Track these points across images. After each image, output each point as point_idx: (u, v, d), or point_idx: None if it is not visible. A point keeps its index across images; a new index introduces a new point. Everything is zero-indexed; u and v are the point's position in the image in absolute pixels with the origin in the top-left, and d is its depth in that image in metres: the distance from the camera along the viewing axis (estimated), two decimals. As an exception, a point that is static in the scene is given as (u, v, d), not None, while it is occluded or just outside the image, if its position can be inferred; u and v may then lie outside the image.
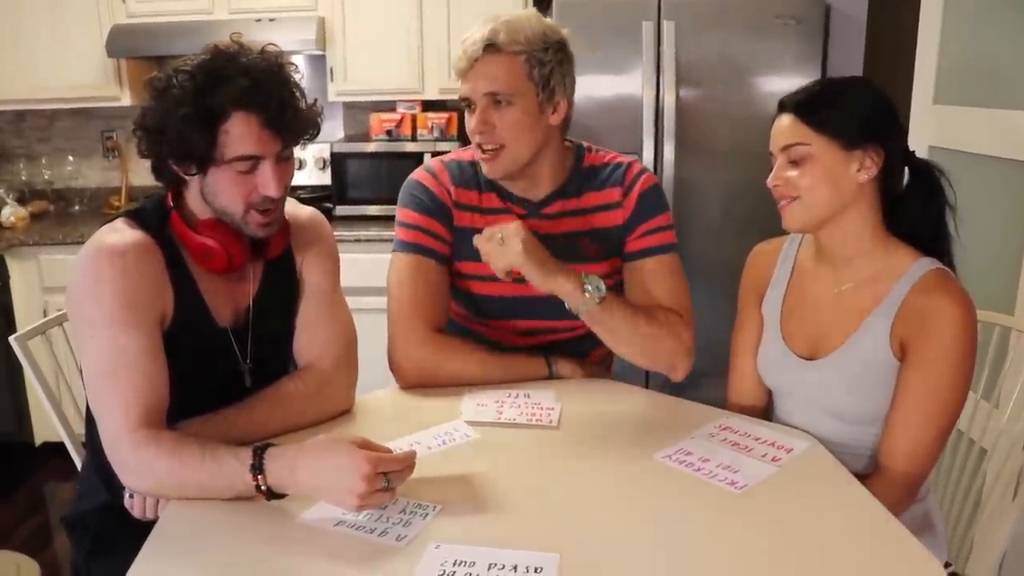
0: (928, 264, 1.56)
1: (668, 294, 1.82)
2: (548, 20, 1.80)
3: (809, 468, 1.48)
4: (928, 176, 1.60)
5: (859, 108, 1.55)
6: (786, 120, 1.58)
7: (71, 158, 4.27)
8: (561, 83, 1.79)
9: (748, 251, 3.21)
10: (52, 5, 3.75)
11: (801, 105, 1.56)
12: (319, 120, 1.57)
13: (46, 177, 4.24)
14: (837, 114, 1.54)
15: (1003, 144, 2.25)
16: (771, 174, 1.61)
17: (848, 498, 1.38)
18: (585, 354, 1.97)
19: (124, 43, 3.69)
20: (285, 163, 1.52)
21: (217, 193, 1.49)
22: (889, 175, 1.57)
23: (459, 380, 1.79)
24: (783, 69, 3.15)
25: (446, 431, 1.59)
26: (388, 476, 1.28)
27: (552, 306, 1.86)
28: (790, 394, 1.71)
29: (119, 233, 1.48)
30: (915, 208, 1.59)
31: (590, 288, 1.65)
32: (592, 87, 3.18)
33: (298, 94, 1.52)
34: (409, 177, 1.92)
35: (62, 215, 4.16)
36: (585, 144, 1.95)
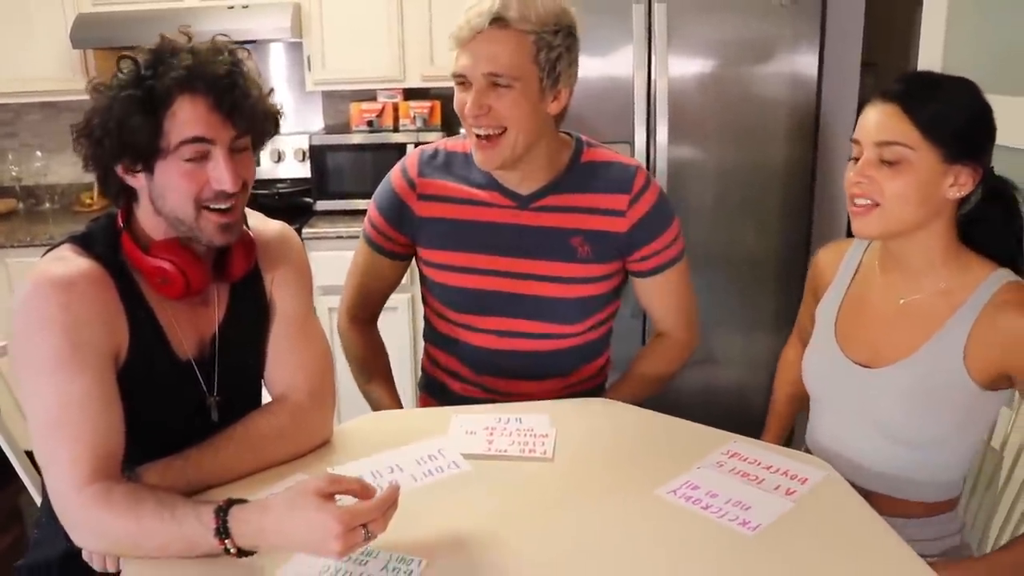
0: (1005, 275, 1.43)
1: (677, 308, 1.89)
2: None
3: (827, 502, 1.35)
4: (1008, 194, 1.46)
5: (968, 116, 1.39)
6: (889, 110, 1.39)
7: (39, 153, 4.10)
8: (567, 71, 1.66)
9: (743, 234, 3.12)
10: (12, -6, 3.58)
11: (912, 98, 1.38)
12: (276, 110, 1.43)
13: (13, 174, 4.08)
14: (949, 118, 1.37)
15: (1017, 134, 2.12)
16: (854, 168, 1.44)
17: (872, 538, 1.26)
18: (571, 371, 1.85)
19: (90, 33, 3.52)
20: (241, 155, 1.37)
21: (166, 193, 1.35)
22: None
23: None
24: (779, 52, 3.03)
25: (431, 454, 1.47)
26: (367, 527, 1.15)
27: (535, 305, 1.78)
28: (833, 403, 1.58)
29: (64, 262, 1.33)
30: (995, 228, 1.45)
31: None
32: (581, 70, 3.04)
33: (250, 80, 1.37)
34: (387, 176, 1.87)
35: (32, 214, 4.00)
36: (584, 138, 1.83)
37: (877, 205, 1.42)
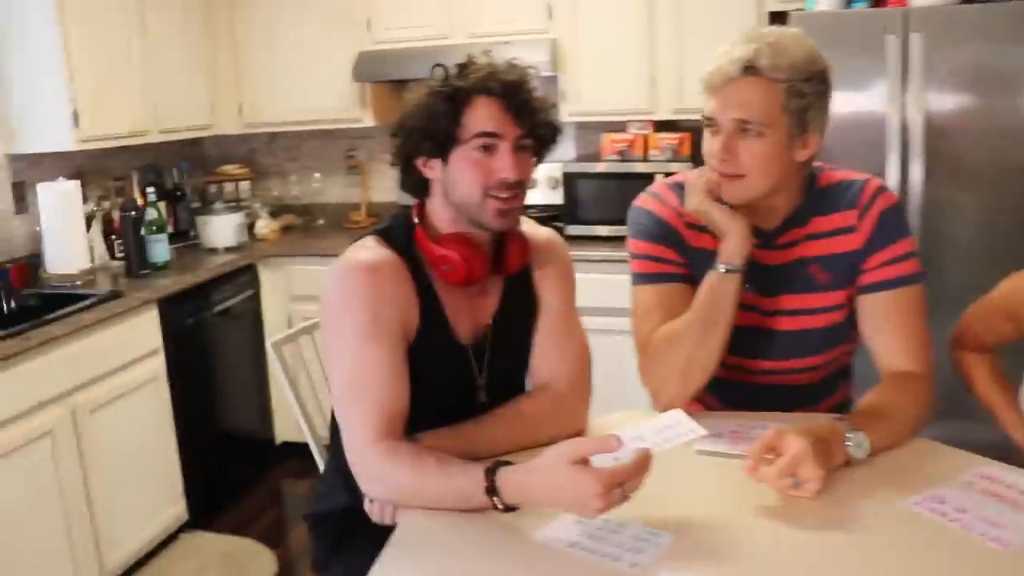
0: None
1: (906, 334, 1.69)
2: (813, 44, 1.67)
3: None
4: None
5: None
6: None
7: (317, 175, 4.58)
8: (818, 118, 1.66)
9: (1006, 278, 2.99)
10: (304, 36, 4.06)
11: None
12: (556, 122, 1.61)
13: (294, 193, 4.58)
14: None
15: None
16: None
17: None
18: (817, 401, 1.87)
19: (369, 68, 3.92)
20: (523, 153, 1.56)
21: (457, 181, 1.55)
22: None
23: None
24: (1049, 82, 2.90)
25: (667, 425, 1.50)
26: (623, 486, 1.28)
27: (782, 340, 1.80)
28: None
29: (370, 251, 1.56)
30: None
31: (852, 446, 1.50)
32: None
33: (537, 94, 1.58)
34: (632, 204, 1.86)
35: (308, 228, 4.46)
36: (816, 163, 1.81)
37: None
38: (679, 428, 1.45)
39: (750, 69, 1.61)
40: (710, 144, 1.68)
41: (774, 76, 1.61)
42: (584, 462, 1.29)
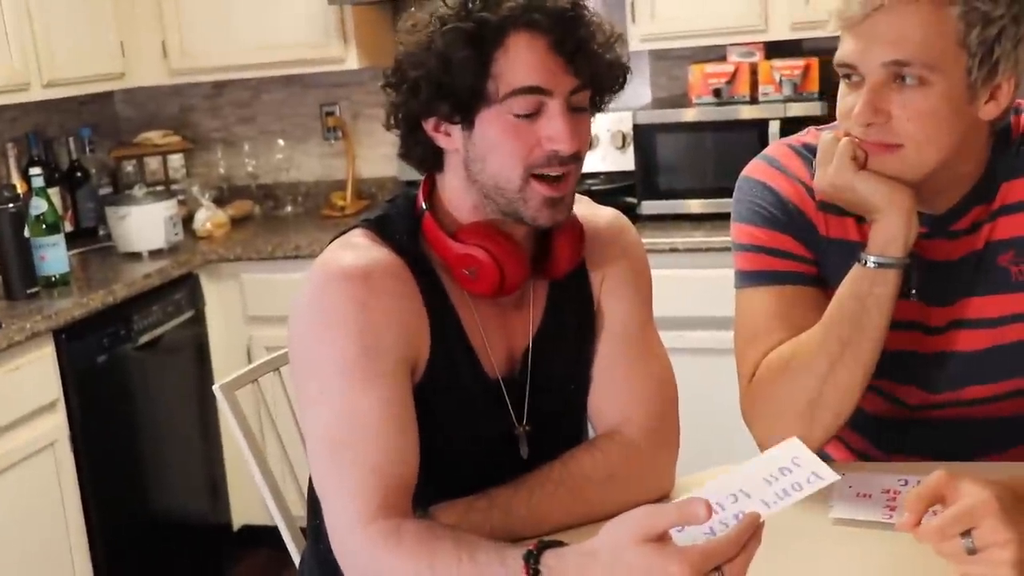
0: None
1: None
2: None
3: None
4: None
5: None
6: None
7: (281, 142, 4.65)
8: (1011, 55, 1.61)
9: None
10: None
11: None
12: (623, 61, 1.64)
13: (249, 169, 4.63)
14: None
15: None
16: None
17: None
18: (1012, 442, 1.88)
19: (351, -17, 3.97)
20: (579, 115, 1.59)
21: (487, 155, 1.58)
22: None
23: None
24: None
25: (780, 467, 1.46)
26: (721, 570, 1.27)
27: (960, 363, 1.82)
28: None
29: (358, 251, 1.60)
30: None
31: None
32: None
33: (592, 20, 1.59)
34: (742, 174, 1.89)
35: (270, 220, 4.54)
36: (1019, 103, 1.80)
37: None
38: (798, 473, 1.45)
39: None
40: (847, 102, 1.68)
41: None
42: (662, 538, 1.31)
